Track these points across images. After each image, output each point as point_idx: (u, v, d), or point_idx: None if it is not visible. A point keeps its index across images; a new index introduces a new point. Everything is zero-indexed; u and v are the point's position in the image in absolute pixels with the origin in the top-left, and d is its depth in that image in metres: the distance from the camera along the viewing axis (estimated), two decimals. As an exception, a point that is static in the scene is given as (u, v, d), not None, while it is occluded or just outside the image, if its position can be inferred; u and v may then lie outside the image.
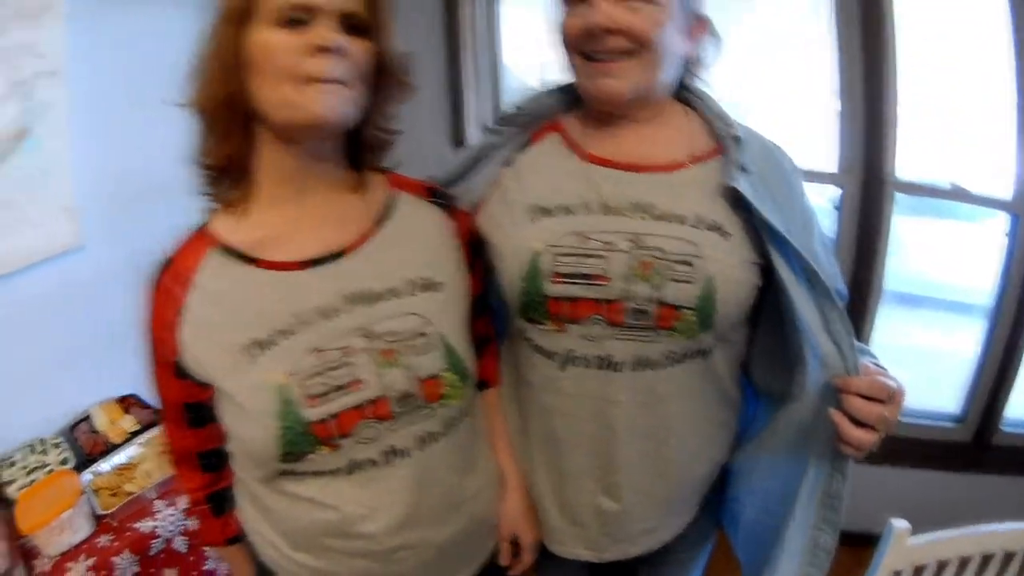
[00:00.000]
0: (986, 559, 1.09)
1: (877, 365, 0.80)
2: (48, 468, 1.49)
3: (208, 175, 0.76)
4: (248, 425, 0.71)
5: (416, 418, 0.73)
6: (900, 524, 1.04)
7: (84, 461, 1.51)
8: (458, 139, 2.10)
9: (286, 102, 0.67)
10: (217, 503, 0.86)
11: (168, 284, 0.74)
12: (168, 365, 0.75)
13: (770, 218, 0.75)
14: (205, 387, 0.74)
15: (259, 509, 0.81)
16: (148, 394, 1.72)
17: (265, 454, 0.70)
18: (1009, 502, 1.55)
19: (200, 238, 0.75)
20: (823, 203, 1.67)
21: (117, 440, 1.56)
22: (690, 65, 0.84)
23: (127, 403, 1.69)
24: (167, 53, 1.71)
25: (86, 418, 1.65)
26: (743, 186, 0.76)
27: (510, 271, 0.81)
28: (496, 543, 0.91)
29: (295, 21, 0.65)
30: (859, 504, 0.84)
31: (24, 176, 1.52)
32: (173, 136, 1.61)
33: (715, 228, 0.78)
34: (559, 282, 0.78)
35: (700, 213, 0.78)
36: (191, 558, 1.43)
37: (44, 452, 1.55)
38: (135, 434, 1.58)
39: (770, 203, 0.77)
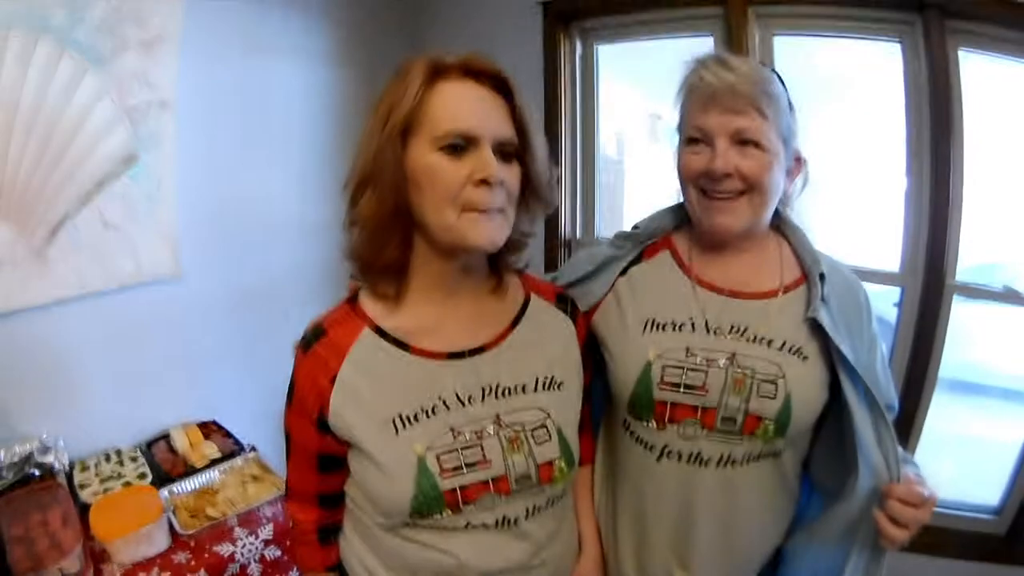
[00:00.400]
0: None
1: (917, 474, 0.95)
2: (124, 480, 1.63)
3: (364, 271, 0.89)
4: (385, 484, 0.84)
5: (529, 494, 0.89)
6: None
7: (161, 478, 1.65)
8: (551, 245, 2.35)
9: (449, 227, 0.79)
10: (324, 535, 0.99)
11: (322, 353, 0.87)
12: (311, 420, 0.87)
13: (843, 347, 0.91)
14: (343, 443, 0.88)
15: (369, 544, 0.93)
16: (227, 421, 1.88)
17: (396, 510, 0.85)
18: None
19: (354, 316, 0.89)
20: (884, 299, 1.82)
21: (198, 464, 1.69)
22: (785, 197, 1.01)
23: (208, 429, 1.84)
24: (275, 98, 1.96)
25: (165, 437, 1.80)
26: (823, 318, 0.93)
27: (625, 375, 0.98)
28: None
29: (456, 147, 0.78)
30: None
31: (130, 201, 1.69)
32: (274, 176, 1.83)
33: (797, 352, 0.95)
34: (665, 389, 0.95)
35: (786, 338, 0.95)
36: (263, 584, 1.56)
37: (120, 463, 1.69)
38: (216, 461, 1.71)
39: (844, 330, 0.94)
